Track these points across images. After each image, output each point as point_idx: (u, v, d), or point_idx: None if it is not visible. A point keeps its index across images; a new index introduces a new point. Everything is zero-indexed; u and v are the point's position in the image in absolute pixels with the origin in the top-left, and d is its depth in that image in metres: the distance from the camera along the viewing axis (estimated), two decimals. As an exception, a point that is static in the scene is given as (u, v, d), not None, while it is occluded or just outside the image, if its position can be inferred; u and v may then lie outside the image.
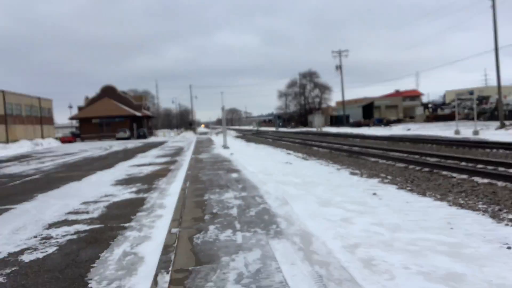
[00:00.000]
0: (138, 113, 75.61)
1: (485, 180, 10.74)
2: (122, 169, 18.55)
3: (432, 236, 6.08)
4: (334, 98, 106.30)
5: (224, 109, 33.61)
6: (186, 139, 56.73)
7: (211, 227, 6.99)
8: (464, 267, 4.75)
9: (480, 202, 8.52)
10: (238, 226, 7.00)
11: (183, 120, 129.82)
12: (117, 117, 71.43)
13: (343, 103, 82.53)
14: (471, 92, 35.33)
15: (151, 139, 63.60)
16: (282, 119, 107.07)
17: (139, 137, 68.69)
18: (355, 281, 4.32)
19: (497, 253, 5.35)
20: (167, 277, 4.84)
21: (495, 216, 7.36)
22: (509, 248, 5.62)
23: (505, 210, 7.73)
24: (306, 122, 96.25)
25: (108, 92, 77.77)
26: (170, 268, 5.12)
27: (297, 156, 21.29)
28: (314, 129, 71.70)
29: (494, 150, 18.51)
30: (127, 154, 29.73)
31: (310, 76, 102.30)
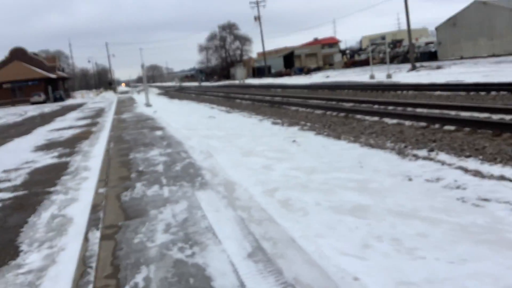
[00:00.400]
0: (52, 75, 71.92)
1: (394, 121, 11.59)
2: (41, 135, 17.96)
3: (344, 175, 6.67)
4: (255, 50, 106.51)
5: (144, 66, 32.90)
6: (107, 99, 55.02)
7: (138, 184, 7.20)
8: (369, 199, 5.34)
9: (389, 141, 9.27)
10: (164, 181, 7.25)
11: (102, 80, 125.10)
12: (30, 80, 67.54)
13: (263, 54, 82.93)
14: (382, 37, 36.90)
15: (69, 102, 61.09)
16: (205, 73, 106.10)
17: (56, 100, 65.69)
18: (273, 220, 4.77)
19: (399, 185, 6.01)
20: (97, 234, 5.06)
21: (400, 152, 8.10)
22: (410, 180, 6.31)
23: (410, 147, 8.50)
24: (228, 75, 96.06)
25: (18, 54, 72.93)
26: (100, 225, 5.33)
27: (221, 110, 21.56)
28: (237, 82, 71.85)
29: (404, 92, 19.76)
30: (44, 119, 28.58)
31: (229, 28, 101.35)
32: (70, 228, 5.50)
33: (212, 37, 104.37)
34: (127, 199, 6.40)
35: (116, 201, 6.36)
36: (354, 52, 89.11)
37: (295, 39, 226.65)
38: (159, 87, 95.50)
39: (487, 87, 16.28)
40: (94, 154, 11.24)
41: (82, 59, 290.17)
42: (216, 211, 5.31)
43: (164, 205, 5.84)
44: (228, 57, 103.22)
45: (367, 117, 12.79)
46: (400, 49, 70.88)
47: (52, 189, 7.82)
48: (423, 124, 10.50)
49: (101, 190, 7.10)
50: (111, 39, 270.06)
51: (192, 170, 7.86)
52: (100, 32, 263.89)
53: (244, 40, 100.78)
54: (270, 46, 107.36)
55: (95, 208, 6.13)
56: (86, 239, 4.93)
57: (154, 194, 6.51)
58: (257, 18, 76.76)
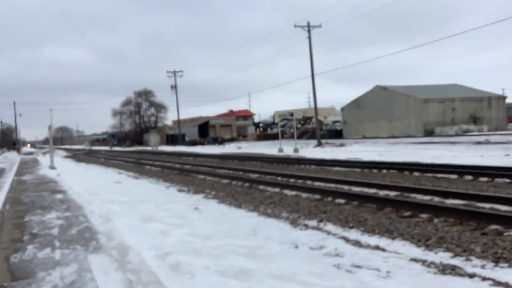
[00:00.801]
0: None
1: (293, 192, 12.28)
2: None
3: (238, 241, 7.01)
4: (170, 117, 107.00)
5: (51, 127, 31.97)
6: (9, 159, 52.06)
7: (30, 247, 7.04)
8: (255, 264, 5.70)
9: (285, 211, 9.83)
10: (58, 244, 7.16)
11: (6, 140, 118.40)
12: None
13: (178, 122, 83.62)
14: (291, 114, 39.07)
15: (-34, 160, 56.96)
16: (117, 138, 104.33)
17: (-50, 158, 61.01)
18: (160, 282, 4.96)
19: (285, 252, 6.45)
20: (-22, 296, 4.93)
21: (293, 222, 8.64)
22: (296, 247, 6.79)
23: (302, 217, 9.09)
24: (142, 141, 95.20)
25: None
26: (-18, 288, 5.19)
27: (128, 175, 21.39)
28: (149, 148, 71.37)
29: (307, 166, 20.90)
30: None
31: (145, 95, 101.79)
32: (-52, 291, 5.29)
33: (127, 102, 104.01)
34: (16, 261, 6.26)
35: (4, 262, 6.19)
36: (267, 125, 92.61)
37: (210, 109, 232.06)
38: (67, 150, 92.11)
39: (379, 165, 17.73)
40: (-14, 215, 10.71)
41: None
42: (106, 274, 5.39)
43: (54, 268, 5.80)
44: (142, 123, 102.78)
45: (269, 188, 13.41)
46: (310, 126, 74.79)
47: None
48: (318, 196, 11.25)
49: (-12, 253, 6.85)
50: (20, 98, 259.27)
51: (88, 234, 7.82)
52: (9, 90, 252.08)
53: (160, 107, 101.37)
54: (186, 114, 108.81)
55: (-21, 270, 5.92)
56: (-36, 302, 4.79)
57: (45, 256, 6.42)
58: (174, 87, 77.98)
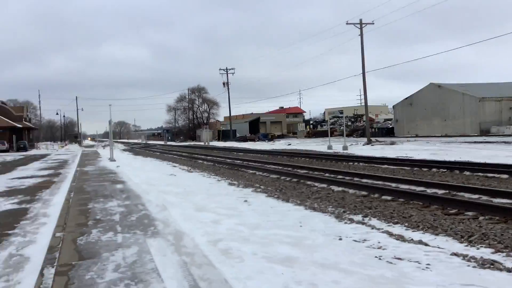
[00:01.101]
0: (18, 125, 71.20)
1: (340, 188, 12.54)
2: (1, 182, 18.10)
3: (284, 232, 7.40)
4: (222, 113, 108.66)
5: (111, 122, 33.49)
6: (71, 152, 54.82)
7: (94, 231, 7.72)
8: (300, 252, 6.07)
9: (330, 206, 10.13)
10: (119, 229, 7.81)
11: (68, 133, 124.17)
12: (-5, 128, 66.67)
13: (230, 118, 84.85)
14: (341, 112, 39.11)
15: (33, 152, 60.35)
16: (171, 133, 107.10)
17: (19, 149, 64.69)
18: (212, 264, 5.43)
19: (329, 243, 6.78)
20: (52, 270, 5.57)
21: (338, 216, 8.93)
22: (340, 239, 7.10)
23: (348, 212, 9.37)
24: (194, 136, 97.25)
25: (-15, 102, 72.55)
26: (56, 264, 5.84)
27: (182, 169, 22.22)
28: (202, 143, 72.90)
29: (356, 163, 20.98)
30: (6, 167, 28.44)
31: (199, 91, 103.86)
32: (27, 266, 5.97)
33: (181, 99, 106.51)
34: (82, 242, 6.93)
35: (72, 244, 6.86)
36: (317, 123, 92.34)
37: (261, 106, 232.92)
38: (125, 144, 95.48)
39: (430, 164, 17.61)
40: (54, 202, 11.63)
41: (51, 111, 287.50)
42: (163, 256, 5.92)
43: (116, 249, 6.40)
44: (195, 119, 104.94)
45: (317, 184, 13.71)
46: (360, 124, 73.98)
47: (10, 231, 8.21)
48: (364, 192, 11.46)
49: (58, 234, 7.58)
50: (82, 93, 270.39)
51: (146, 220, 8.44)
52: (71, 85, 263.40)
53: (212, 104, 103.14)
54: (237, 111, 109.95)
55: (51, 249, 6.61)
56: (41, 275, 5.43)
57: (108, 239, 7.05)
58: (226, 84, 79.23)
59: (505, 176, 13.63)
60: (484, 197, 9.92)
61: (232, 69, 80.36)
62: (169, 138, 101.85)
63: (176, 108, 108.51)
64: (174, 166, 24.20)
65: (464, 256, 5.91)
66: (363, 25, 41.58)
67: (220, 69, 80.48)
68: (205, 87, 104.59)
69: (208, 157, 29.66)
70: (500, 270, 5.35)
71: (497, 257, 5.88)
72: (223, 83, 79.89)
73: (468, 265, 5.57)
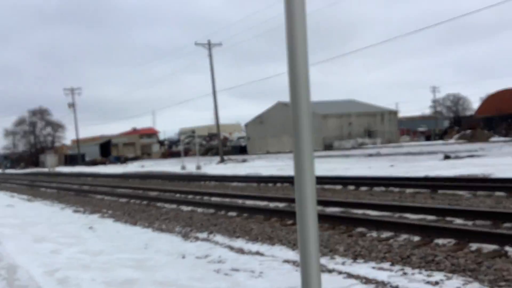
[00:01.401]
0: None
1: (189, 208, 12.76)
2: None
3: (127, 255, 7.37)
4: (69, 136, 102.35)
5: None
6: None
7: None
8: (141, 273, 6.12)
9: (178, 226, 10.28)
10: None
11: None
12: None
13: (77, 141, 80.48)
14: (193, 131, 39.53)
15: None
16: (10, 159, 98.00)
17: None
18: (46, 295, 5.23)
19: (172, 262, 6.92)
20: None
21: (185, 235, 9.12)
22: (183, 257, 7.28)
23: (194, 230, 9.61)
24: (38, 162, 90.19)
25: None
26: None
27: (22, 198, 20.61)
28: (46, 169, 67.99)
29: (207, 182, 21.47)
30: None
31: (41, 113, 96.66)
32: None
33: (21, 122, 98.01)
34: None
35: None
36: (172, 143, 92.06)
37: (113, 128, 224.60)
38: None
39: (275, 179, 18.74)
40: None
41: None
42: (-9, 293, 5.54)
43: None
44: (38, 143, 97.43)
45: (166, 205, 13.77)
46: (215, 142, 75.57)
47: None
48: (212, 210, 11.84)
49: None
50: None
51: (-25, 257, 7.75)
52: None
53: (57, 127, 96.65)
54: (87, 133, 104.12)
55: None
56: None
57: None
58: (71, 105, 75.01)
59: (339, 187, 15.08)
60: (318, 207, 10.88)
61: (78, 88, 76.35)
62: (8, 165, 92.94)
63: (15, 132, 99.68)
64: (13, 196, 22.31)
65: (294, 262, 6.49)
66: (212, 46, 42.87)
67: (64, 89, 75.77)
68: (49, 109, 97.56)
69: (53, 184, 27.88)
70: (323, 271, 5.98)
71: (322, 260, 6.56)
72: (69, 104, 75.45)
73: (297, 270, 6.13)
